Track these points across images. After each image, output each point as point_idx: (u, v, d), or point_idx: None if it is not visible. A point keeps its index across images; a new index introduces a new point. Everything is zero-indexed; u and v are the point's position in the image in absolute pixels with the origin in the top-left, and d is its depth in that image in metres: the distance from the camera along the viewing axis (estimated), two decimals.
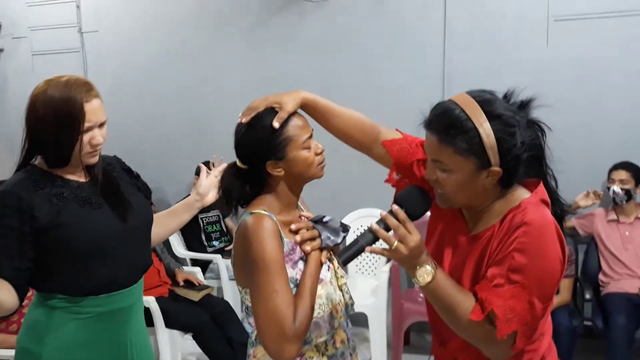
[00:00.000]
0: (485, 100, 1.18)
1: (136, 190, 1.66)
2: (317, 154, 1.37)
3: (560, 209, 1.27)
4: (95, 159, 1.51)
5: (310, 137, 1.37)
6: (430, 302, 1.25)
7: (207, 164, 3.83)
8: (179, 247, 3.82)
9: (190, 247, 3.86)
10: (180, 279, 3.27)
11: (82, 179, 1.52)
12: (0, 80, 4.68)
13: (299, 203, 1.50)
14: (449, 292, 1.19)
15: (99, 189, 1.52)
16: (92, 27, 4.37)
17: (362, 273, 3.66)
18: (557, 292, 2.97)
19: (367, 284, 3.49)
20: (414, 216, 1.23)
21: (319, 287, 1.34)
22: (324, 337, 1.38)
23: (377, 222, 1.22)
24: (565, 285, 3.01)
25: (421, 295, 3.35)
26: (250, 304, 1.34)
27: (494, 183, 1.20)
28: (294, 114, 1.36)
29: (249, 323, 1.40)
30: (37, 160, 1.50)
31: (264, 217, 1.29)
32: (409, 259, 1.19)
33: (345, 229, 1.38)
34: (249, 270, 1.29)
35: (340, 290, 1.45)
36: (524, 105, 1.24)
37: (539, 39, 3.36)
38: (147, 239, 1.64)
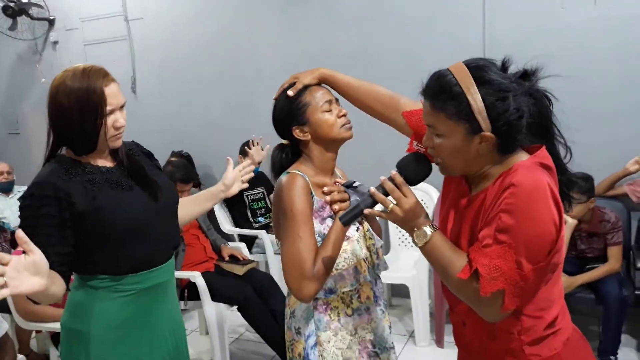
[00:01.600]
0: (477, 66, 1.19)
1: (158, 171, 1.73)
2: (339, 117, 1.51)
3: (567, 178, 1.26)
4: (119, 142, 1.57)
5: (331, 102, 1.52)
6: (429, 262, 1.29)
7: (247, 143, 3.94)
8: (226, 223, 3.94)
9: (236, 223, 3.98)
10: (225, 254, 3.39)
11: (110, 164, 1.58)
12: (57, 71, 4.82)
13: (338, 173, 1.64)
14: (444, 253, 1.23)
15: (127, 172, 1.58)
16: (137, 15, 4.52)
17: (405, 246, 3.66)
18: (606, 260, 2.89)
19: (410, 256, 3.49)
20: (412, 181, 1.29)
21: (346, 243, 1.48)
22: (347, 287, 1.52)
23: (377, 187, 1.28)
24: (614, 252, 2.89)
25: None
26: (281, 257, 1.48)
27: (489, 149, 1.20)
28: (314, 85, 1.54)
29: None
30: (64, 151, 1.55)
31: (296, 176, 1.47)
32: (405, 221, 1.25)
33: None
34: (280, 221, 1.45)
35: (368, 249, 1.57)
36: (530, 73, 1.23)
37: None
38: (176, 218, 1.72)
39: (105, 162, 1.58)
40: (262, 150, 3.54)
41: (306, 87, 1.52)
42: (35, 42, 4.94)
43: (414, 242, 1.26)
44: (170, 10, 4.41)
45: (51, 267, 1.30)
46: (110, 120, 1.50)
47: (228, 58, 4.26)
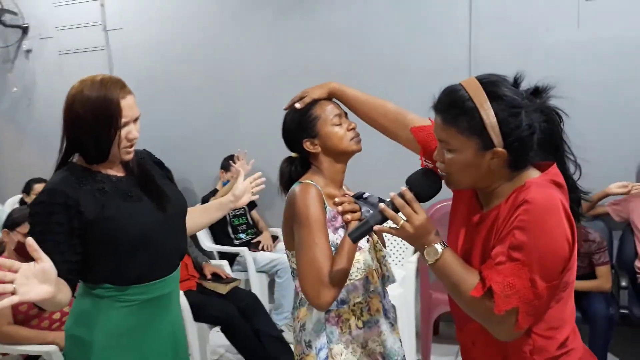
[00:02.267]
0: (489, 81, 1.19)
1: (168, 181, 1.74)
2: (348, 130, 1.54)
3: (576, 196, 1.26)
4: (131, 155, 1.58)
5: (340, 116, 1.55)
6: (439, 280, 1.27)
7: (232, 157, 3.87)
8: (206, 240, 3.84)
9: (217, 240, 3.88)
10: (207, 272, 3.29)
11: (120, 174, 1.59)
12: (29, 80, 4.78)
13: (344, 187, 1.65)
14: (455, 270, 1.21)
15: (136, 182, 1.59)
16: (117, 25, 4.42)
17: (391, 263, 3.62)
18: (595, 278, 2.90)
19: (396, 274, 3.43)
20: (422, 197, 1.28)
21: (358, 253, 1.49)
22: (359, 298, 1.52)
23: (387, 203, 1.27)
24: (603, 272, 2.91)
25: None
26: (295, 266, 1.49)
27: (500, 165, 1.20)
28: (323, 99, 1.57)
29: (295, 286, 1.56)
30: (76, 158, 1.56)
31: (310, 185, 1.48)
32: (416, 238, 1.23)
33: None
34: (295, 230, 1.46)
35: (378, 261, 1.60)
36: (540, 91, 1.23)
37: (570, 21, 3.25)
38: (184, 226, 1.73)
39: (115, 172, 1.59)
40: (247, 164, 3.47)
41: (316, 101, 1.55)
42: (7, 50, 4.77)
43: (424, 259, 1.24)
44: (151, 20, 4.32)
45: (58, 275, 1.30)
46: (124, 132, 1.51)
47: (211, 69, 4.19)
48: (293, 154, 1.61)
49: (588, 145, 3.29)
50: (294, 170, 1.59)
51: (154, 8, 4.31)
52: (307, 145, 1.54)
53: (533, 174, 1.23)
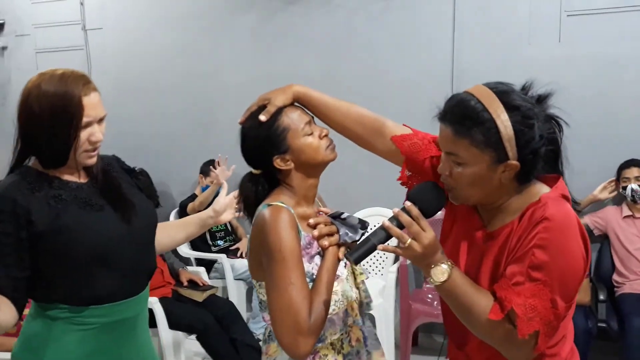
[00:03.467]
0: (502, 91, 1.13)
1: (137, 190, 1.57)
2: (321, 138, 1.35)
3: (573, 207, 1.22)
4: (93, 160, 1.41)
5: (310, 123, 1.35)
6: (446, 302, 1.20)
7: (212, 162, 3.80)
8: (183, 246, 3.75)
9: (194, 246, 3.80)
10: (184, 279, 3.22)
11: (81, 180, 1.43)
12: (4, 78, 4.65)
13: (317, 200, 1.47)
14: (466, 291, 1.14)
15: (100, 189, 1.43)
16: (96, 25, 4.33)
17: (370, 273, 3.59)
18: None
19: (375, 284, 3.41)
20: (427, 213, 1.18)
21: (335, 283, 1.31)
22: (337, 334, 1.35)
23: (390, 219, 1.17)
24: (582, 285, 2.91)
25: (429, 295, 3.28)
26: (264, 298, 1.31)
27: (510, 178, 1.15)
28: (288, 106, 1.35)
29: (263, 318, 1.36)
30: (32, 161, 1.41)
31: (281, 209, 1.27)
32: (423, 257, 1.14)
33: (363, 225, 1.34)
34: (265, 262, 1.27)
35: (357, 288, 1.42)
36: (542, 99, 1.19)
37: (551, 35, 3.29)
38: (152, 242, 1.55)
39: (76, 178, 1.42)
40: (228, 170, 3.40)
41: (281, 109, 1.33)
42: None
43: (430, 280, 1.16)
44: (132, 20, 4.24)
45: (1, 293, 1.17)
46: (85, 133, 1.35)
47: (191, 72, 4.12)
48: (254, 171, 1.38)
49: (567, 156, 3.34)
50: (262, 190, 1.37)
51: (134, 8, 4.24)
52: (278, 162, 1.32)
53: (542, 188, 1.18)
